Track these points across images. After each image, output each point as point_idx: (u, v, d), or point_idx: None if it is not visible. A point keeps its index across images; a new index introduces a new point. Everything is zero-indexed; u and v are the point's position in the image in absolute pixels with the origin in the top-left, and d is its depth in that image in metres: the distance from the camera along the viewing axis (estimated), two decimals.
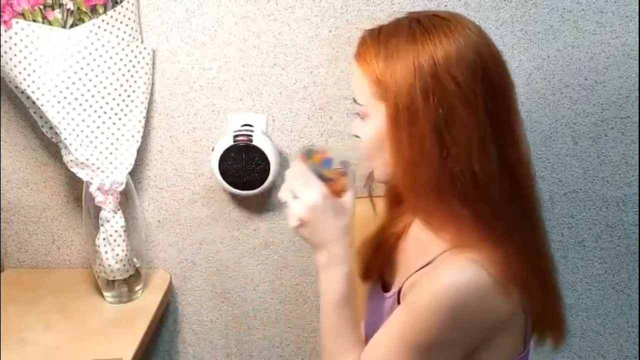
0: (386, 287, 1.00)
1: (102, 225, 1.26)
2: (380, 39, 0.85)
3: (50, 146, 1.36)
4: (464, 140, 0.81)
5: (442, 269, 0.83)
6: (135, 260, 1.33)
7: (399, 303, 0.92)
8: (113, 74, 1.24)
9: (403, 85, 0.81)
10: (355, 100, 0.90)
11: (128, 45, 1.24)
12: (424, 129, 0.81)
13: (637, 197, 1.35)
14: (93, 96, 1.23)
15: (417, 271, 0.90)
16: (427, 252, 0.90)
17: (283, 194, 0.90)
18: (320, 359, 0.93)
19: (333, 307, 0.89)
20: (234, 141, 1.27)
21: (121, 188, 1.26)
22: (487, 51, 0.84)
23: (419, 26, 0.84)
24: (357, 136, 0.92)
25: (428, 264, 0.89)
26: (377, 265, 1.02)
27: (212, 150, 1.30)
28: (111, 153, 1.27)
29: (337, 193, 0.91)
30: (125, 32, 1.23)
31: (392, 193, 1.03)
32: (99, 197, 1.24)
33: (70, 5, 1.19)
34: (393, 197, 1.02)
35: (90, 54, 1.21)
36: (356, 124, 0.92)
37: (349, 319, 0.90)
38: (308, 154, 0.93)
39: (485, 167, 0.82)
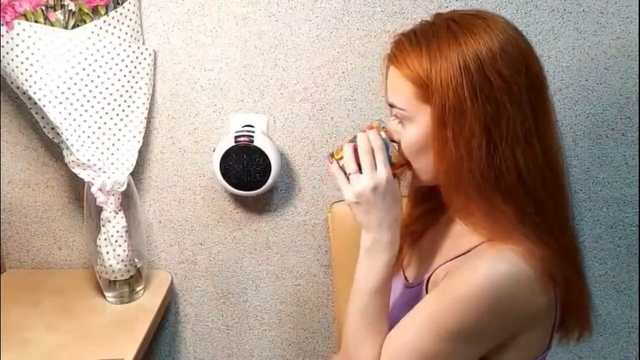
0: (407, 281, 1.00)
1: (103, 225, 1.27)
2: (419, 41, 0.85)
3: (52, 147, 1.36)
4: (511, 136, 0.82)
5: (481, 259, 0.83)
6: (136, 260, 1.33)
7: (427, 291, 0.92)
8: (114, 74, 1.24)
9: (450, 85, 0.81)
10: (392, 105, 0.89)
11: (129, 46, 1.24)
12: (472, 127, 0.82)
13: (638, 198, 1.35)
14: (95, 97, 1.23)
15: (450, 261, 0.91)
16: (461, 244, 0.91)
17: (348, 164, 0.89)
18: (343, 342, 0.93)
19: (369, 292, 0.89)
20: (235, 142, 1.27)
21: (122, 189, 1.26)
22: (526, 46, 0.85)
23: (457, 25, 0.84)
24: (393, 141, 0.91)
25: (463, 254, 0.89)
26: (399, 260, 1.02)
27: (214, 150, 1.30)
28: (112, 154, 1.27)
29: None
30: (126, 33, 1.23)
31: (417, 193, 1.03)
32: (100, 198, 1.24)
33: (72, 6, 1.19)
34: (418, 196, 1.03)
35: (91, 54, 1.21)
36: (395, 129, 0.91)
37: (382, 307, 0.90)
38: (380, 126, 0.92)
39: (530, 162, 0.83)
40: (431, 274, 0.93)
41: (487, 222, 0.86)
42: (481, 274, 0.81)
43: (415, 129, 0.87)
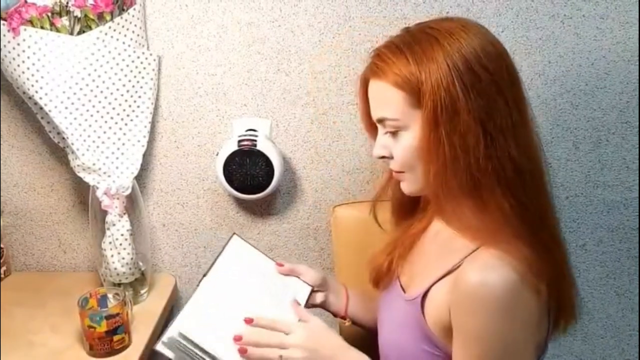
0: (405, 292, 0.99)
1: (108, 229, 1.28)
2: (401, 49, 0.86)
3: (57, 151, 1.37)
4: (504, 127, 0.83)
5: (470, 272, 0.82)
6: (140, 263, 1.34)
7: (422, 308, 0.91)
8: (119, 79, 1.25)
9: (441, 84, 0.82)
10: (383, 119, 0.89)
11: (134, 52, 1.25)
12: (467, 123, 0.82)
13: (638, 201, 1.36)
14: (100, 102, 1.24)
15: (443, 277, 0.89)
16: (451, 251, 0.90)
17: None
18: None
19: None
20: (238, 146, 1.28)
21: (127, 192, 1.28)
22: (500, 44, 0.87)
23: (434, 30, 0.86)
24: (384, 157, 0.92)
25: (455, 269, 0.88)
26: (391, 270, 1.02)
27: (217, 154, 1.31)
28: (117, 158, 1.28)
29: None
30: (131, 39, 1.25)
31: (400, 208, 1.03)
32: (105, 202, 1.25)
33: (78, 13, 1.20)
34: (402, 211, 1.03)
35: (97, 60, 1.22)
36: (385, 143, 0.91)
37: None
38: (85, 303, 1.12)
39: (522, 152, 0.84)
40: (427, 290, 0.92)
41: (476, 223, 0.87)
42: (480, 297, 0.80)
43: (410, 135, 0.87)
